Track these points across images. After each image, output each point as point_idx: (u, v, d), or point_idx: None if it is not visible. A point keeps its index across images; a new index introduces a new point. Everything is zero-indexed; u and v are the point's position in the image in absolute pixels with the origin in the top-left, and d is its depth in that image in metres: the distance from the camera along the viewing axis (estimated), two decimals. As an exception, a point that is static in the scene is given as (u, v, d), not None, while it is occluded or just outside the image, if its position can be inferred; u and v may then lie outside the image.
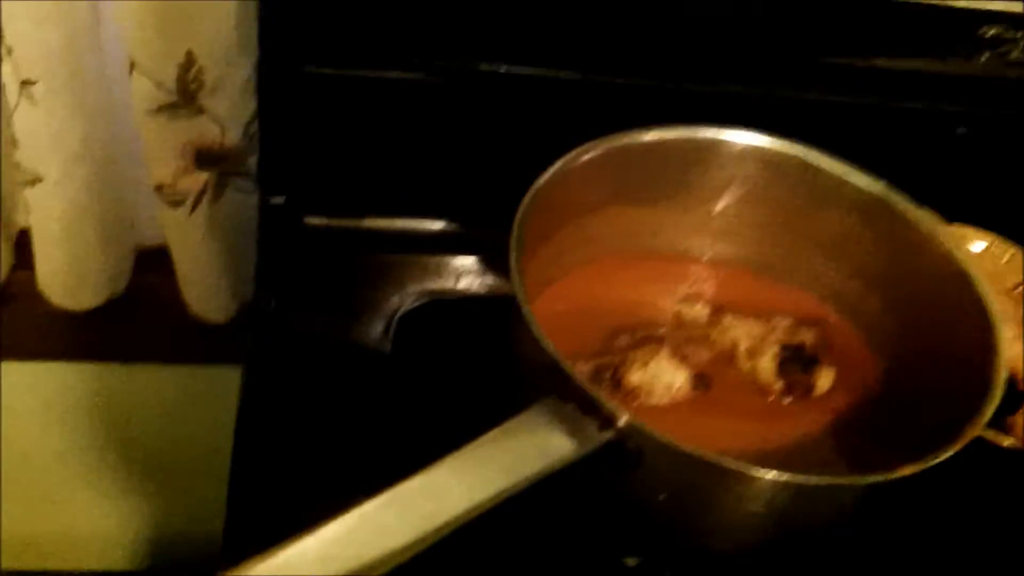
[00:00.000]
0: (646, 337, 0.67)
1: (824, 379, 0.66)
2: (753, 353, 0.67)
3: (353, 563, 0.44)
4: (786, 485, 0.52)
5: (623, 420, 0.52)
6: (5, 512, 1.13)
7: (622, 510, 0.58)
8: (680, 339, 0.68)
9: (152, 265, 0.94)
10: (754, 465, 0.51)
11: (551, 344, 0.54)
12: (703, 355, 0.67)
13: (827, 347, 0.68)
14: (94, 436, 1.09)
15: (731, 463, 0.51)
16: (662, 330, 0.68)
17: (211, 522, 1.13)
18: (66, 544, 1.19)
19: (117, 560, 1.19)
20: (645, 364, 0.63)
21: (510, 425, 0.52)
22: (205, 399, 1.04)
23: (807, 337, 0.68)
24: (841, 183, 0.68)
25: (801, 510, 0.55)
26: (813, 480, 0.52)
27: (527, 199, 0.60)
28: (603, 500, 0.58)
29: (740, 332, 0.68)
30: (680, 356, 0.65)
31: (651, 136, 0.65)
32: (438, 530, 0.47)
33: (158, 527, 1.17)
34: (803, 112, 0.76)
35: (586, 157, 0.63)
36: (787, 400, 0.65)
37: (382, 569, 0.45)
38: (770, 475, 0.51)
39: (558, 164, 0.61)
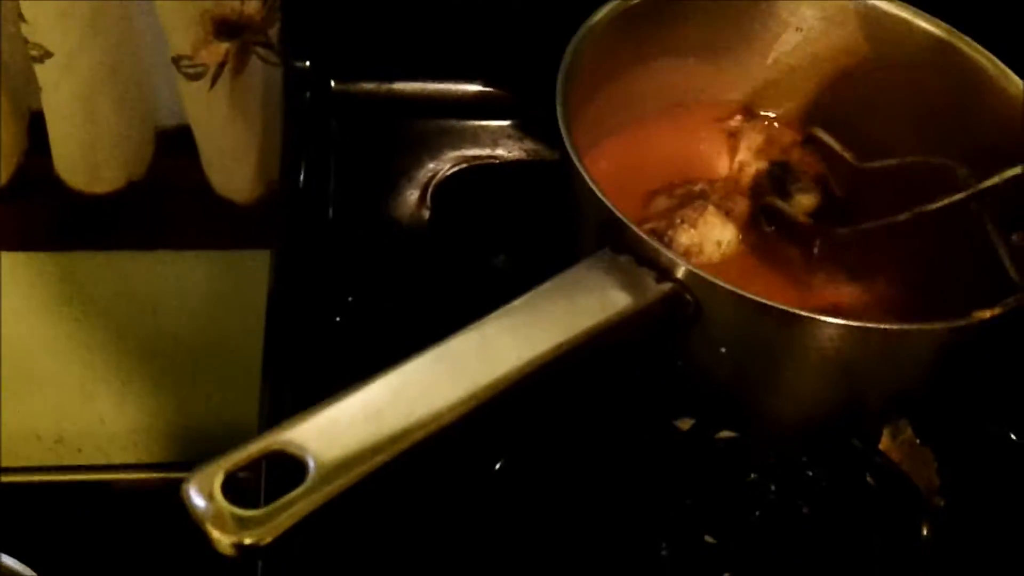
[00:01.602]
0: (687, 195, 0.63)
1: (804, 201, 0.62)
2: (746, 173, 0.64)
3: (402, 421, 0.41)
4: (858, 333, 0.49)
5: (682, 270, 0.49)
6: (29, 407, 1.12)
7: (674, 368, 0.55)
8: (721, 192, 0.64)
9: (174, 147, 0.90)
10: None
11: (604, 195, 0.50)
12: (743, 206, 0.64)
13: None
14: (119, 328, 1.07)
15: (801, 310, 0.47)
16: (699, 186, 0.64)
17: (242, 412, 1.12)
18: (95, 438, 1.18)
19: (147, 453, 1.18)
20: (694, 224, 0.60)
21: (562, 279, 0.49)
22: (234, 285, 1.02)
23: (797, 157, 0.64)
24: (905, 29, 0.63)
25: (868, 363, 0.52)
26: (888, 327, 0.49)
27: (571, 49, 0.56)
28: (654, 358, 0.55)
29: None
30: (724, 210, 0.61)
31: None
32: (490, 387, 0.44)
33: (188, 418, 1.15)
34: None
35: (631, 4, 0.58)
36: (768, 227, 0.62)
37: (432, 427, 0.42)
38: (841, 321, 0.48)
39: (603, 11, 0.57)
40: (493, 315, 0.46)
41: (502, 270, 0.67)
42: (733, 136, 0.66)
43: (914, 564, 0.58)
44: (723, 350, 0.51)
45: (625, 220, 0.49)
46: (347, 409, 0.41)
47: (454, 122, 0.75)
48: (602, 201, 0.50)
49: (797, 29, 0.65)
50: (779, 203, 0.61)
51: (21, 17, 0.77)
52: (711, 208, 0.61)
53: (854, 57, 0.65)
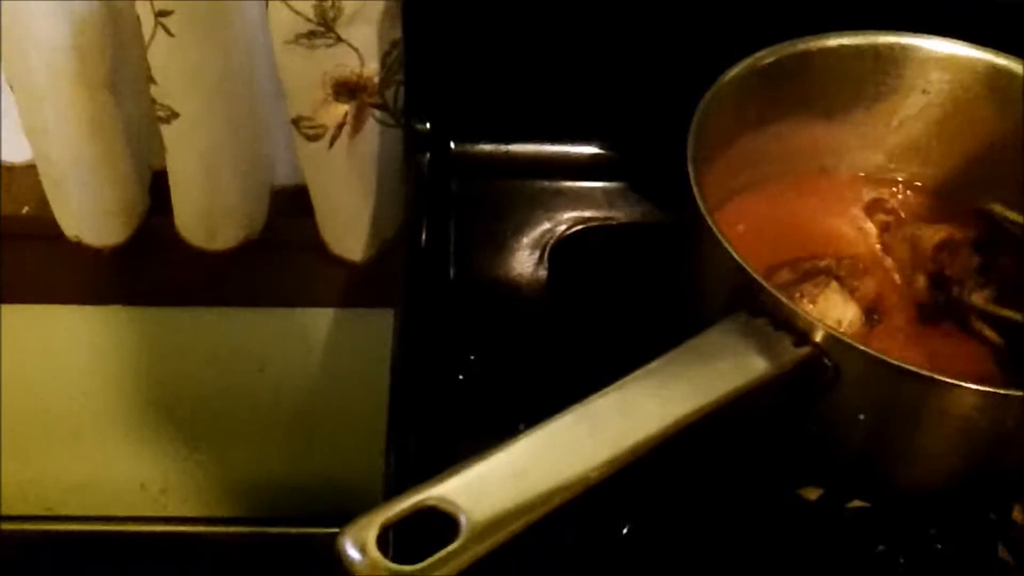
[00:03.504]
0: (811, 270, 0.62)
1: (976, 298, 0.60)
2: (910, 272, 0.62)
3: (548, 481, 0.41)
4: (1001, 400, 0.47)
5: (821, 334, 0.48)
6: (135, 458, 1.14)
7: (805, 435, 0.54)
8: (847, 270, 0.63)
9: (290, 206, 0.92)
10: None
11: (740, 256, 0.50)
12: (870, 286, 0.63)
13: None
14: (226, 382, 1.09)
15: (946, 376, 0.47)
16: (825, 262, 0.63)
17: (343, 469, 1.13)
18: (199, 490, 1.19)
19: (248, 507, 1.19)
20: (814, 300, 0.59)
21: (699, 342, 0.49)
22: (343, 343, 1.03)
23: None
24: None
25: (1012, 433, 0.50)
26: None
27: (702, 106, 0.56)
28: (783, 424, 0.54)
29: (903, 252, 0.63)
30: (849, 289, 0.61)
31: (830, 42, 0.61)
32: (633, 450, 0.43)
33: (290, 474, 1.17)
34: (992, 16, 0.70)
35: (764, 63, 0.58)
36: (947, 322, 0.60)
37: (577, 488, 0.42)
38: (986, 389, 0.47)
39: (736, 68, 0.57)
40: (632, 376, 0.46)
41: (620, 330, 0.67)
42: (859, 206, 0.66)
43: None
44: (861, 416, 0.50)
45: (763, 282, 0.49)
46: (494, 467, 0.41)
47: (569, 183, 0.75)
48: (738, 262, 0.50)
49: (923, 92, 0.64)
50: (1004, 310, 0.60)
51: (151, 79, 0.79)
52: (834, 285, 0.60)
53: (981, 119, 0.64)
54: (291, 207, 0.92)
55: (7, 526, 1.17)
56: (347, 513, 1.12)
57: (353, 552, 0.38)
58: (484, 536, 0.39)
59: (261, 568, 1.19)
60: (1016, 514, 0.59)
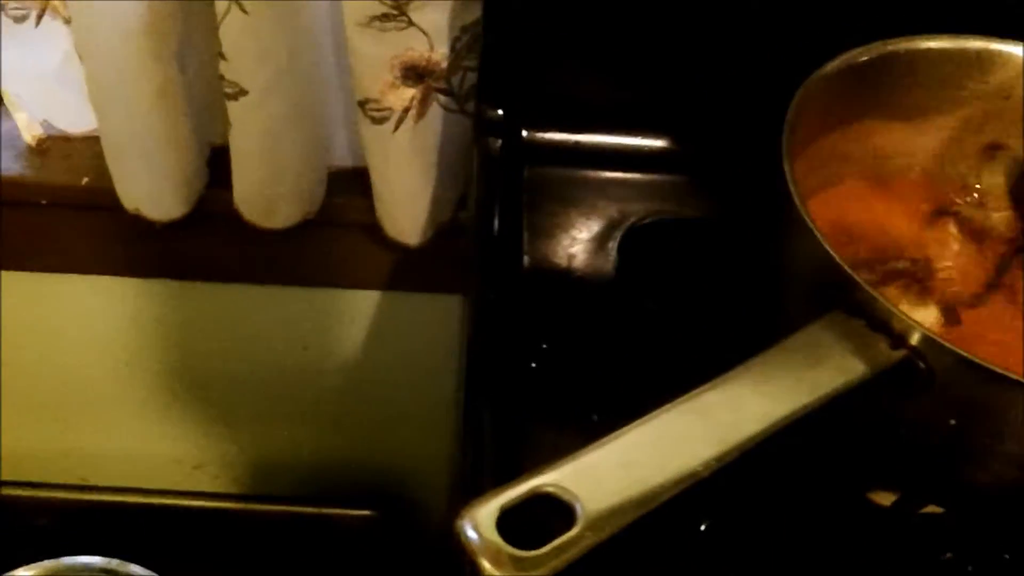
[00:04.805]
0: (890, 272, 0.62)
1: None
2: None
3: (658, 475, 0.42)
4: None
5: (918, 336, 0.48)
6: (172, 432, 1.15)
7: (887, 438, 0.55)
8: (924, 271, 0.63)
9: (346, 187, 0.92)
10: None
11: (837, 254, 0.50)
12: (948, 288, 0.63)
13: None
14: (267, 360, 1.09)
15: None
16: (902, 263, 0.63)
17: (376, 453, 1.14)
18: (233, 467, 1.20)
19: (281, 485, 1.20)
20: (897, 302, 0.59)
21: (797, 340, 0.49)
22: (389, 326, 1.03)
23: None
24: None
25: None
26: None
27: (796, 102, 0.56)
28: (868, 426, 0.54)
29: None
30: (927, 290, 0.61)
31: (922, 44, 0.61)
32: (740, 446, 0.44)
33: (323, 454, 1.17)
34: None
35: (858, 61, 0.58)
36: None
37: (686, 483, 0.42)
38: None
39: (829, 67, 0.58)
40: (734, 372, 0.46)
41: (689, 324, 0.67)
42: (935, 210, 0.66)
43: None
44: (952, 421, 0.50)
45: (861, 282, 0.49)
46: (605, 457, 0.42)
47: (639, 175, 0.75)
48: (835, 261, 0.50)
49: (1006, 98, 0.64)
50: None
51: (221, 56, 0.79)
52: (914, 288, 0.60)
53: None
54: (347, 188, 0.93)
55: (42, 493, 1.17)
56: (379, 496, 1.12)
57: (473, 533, 0.38)
58: (600, 526, 0.39)
59: (289, 546, 1.19)
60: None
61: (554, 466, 0.41)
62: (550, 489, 0.40)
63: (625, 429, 0.43)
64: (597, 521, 0.39)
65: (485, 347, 0.63)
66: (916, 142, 0.66)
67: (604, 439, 0.42)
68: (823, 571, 0.58)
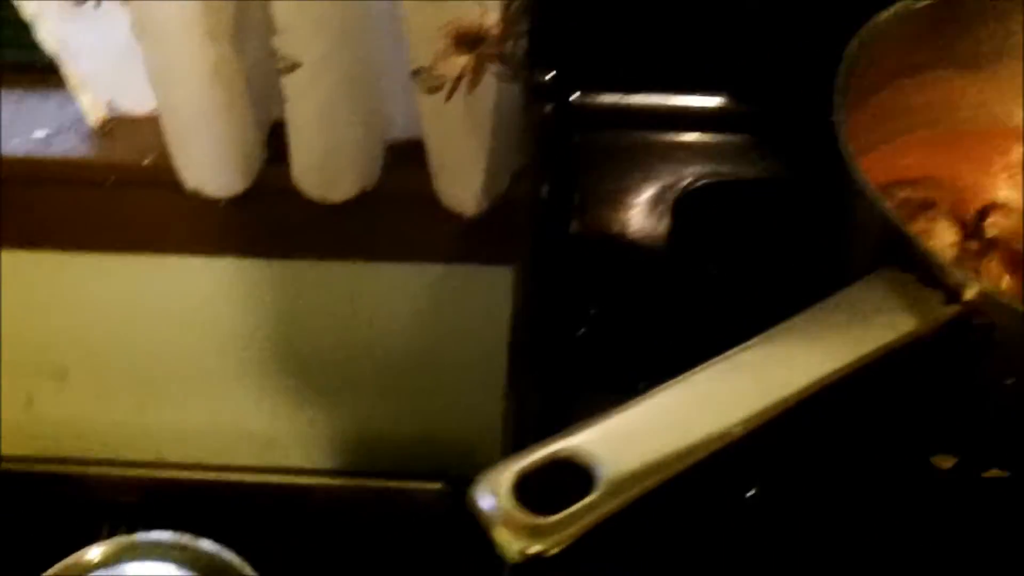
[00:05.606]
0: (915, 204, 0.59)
1: None
2: None
3: (688, 436, 0.40)
4: None
5: (972, 292, 0.46)
6: (241, 408, 1.16)
7: (943, 400, 0.52)
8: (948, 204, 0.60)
9: (402, 159, 0.92)
10: None
11: (891, 209, 0.47)
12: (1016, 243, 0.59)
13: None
14: (335, 336, 1.09)
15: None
16: (921, 195, 0.60)
17: (449, 424, 1.13)
18: (304, 443, 1.21)
19: (352, 460, 1.20)
20: (930, 236, 0.56)
21: (845, 296, 0.46)
22: (451, 298, 1.02)
23: None
24: None
25: None
26: None
27: (849, 53, 0.54)
28: (923, 387, 0.52)
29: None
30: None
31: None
32: (777, 405, 0.42)
33: (395, 428, 1.17)
34: None
35: (916, 7, 0.55)
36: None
37: (718, 443, 0.40)
38: None
39: (885, 14, 0.55)
40: (779, 328, 0.44)
41: (743, 288, 0.65)
42: (1000, 162, 0.63)
43: None
44: (1009, 381, 0.48)
45: (913, 237, 0.47)
46: (635, 419, 0.40)
47: (694, 136, 0.73)
48: (888, 217, 0.48)
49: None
50: None
51: (274, 29, 0.79)
52: (941, 218, 0.57)
53: None
54: (404, 161, 0.92)
55: (119, 471, 1.20)
56: (447, 469, 1.12)
57: (487, 501, 0.37)
58: (621, 490, 0.38)
59: (359, 520, 1.20)
60: None
61: (576, 430, 0.39)
62: (570, 453, 0.38)
63: (655, 391, 0.41)
64: (618, 485, 0.38)
65: (531, 314, 0.62)
66: (981, 92, 0.63)
67: (631, 401, 0.41)
68: (877, 539, 0.55)
